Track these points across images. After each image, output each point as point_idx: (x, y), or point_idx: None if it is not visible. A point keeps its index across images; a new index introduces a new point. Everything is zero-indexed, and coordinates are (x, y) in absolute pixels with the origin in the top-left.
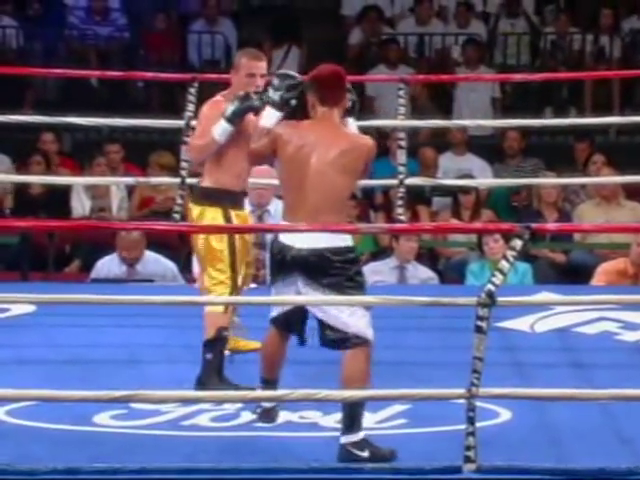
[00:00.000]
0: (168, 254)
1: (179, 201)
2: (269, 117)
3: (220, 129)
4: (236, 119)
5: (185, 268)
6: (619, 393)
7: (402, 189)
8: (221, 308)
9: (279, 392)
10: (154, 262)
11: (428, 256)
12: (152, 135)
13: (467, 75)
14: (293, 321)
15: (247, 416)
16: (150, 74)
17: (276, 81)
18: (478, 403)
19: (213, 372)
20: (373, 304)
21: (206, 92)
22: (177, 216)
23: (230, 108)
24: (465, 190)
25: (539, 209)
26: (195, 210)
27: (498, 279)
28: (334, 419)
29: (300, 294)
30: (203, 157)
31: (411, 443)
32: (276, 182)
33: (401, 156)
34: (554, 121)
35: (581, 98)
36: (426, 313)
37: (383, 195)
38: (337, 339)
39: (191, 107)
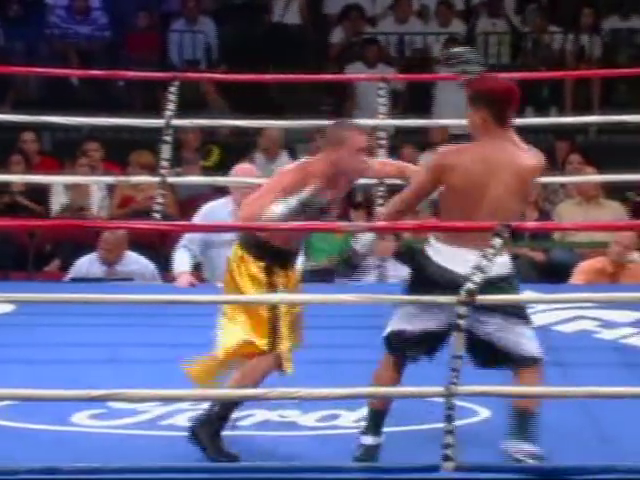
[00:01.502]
0: (148, 254)
1: (159, 200)
2: None
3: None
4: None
5: (164, 267)
6: (598, 391)
7: (382, 188)
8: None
9: (258, 391)
10: (134, 262)
11: (408, 254)
12: (134, 134)
13: (448, 74)
14: (428, 341)
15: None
16: (130, 73)
17: None
18: (457, 402)
19: (212, 427)
20: (353, 302)
21: (187, 91)
22: (158, 215)
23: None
24: None
25: None
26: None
27: (478, 277)
28: (313, 418)
29: (455, 320)
30: None
31: (390, 441)
32: (259, 182)
33: (381, 155)
34: (535, 120)
35: (562, 97)
36: None
37: (363, 194)
38: (507, 360)
39: (171, 106)
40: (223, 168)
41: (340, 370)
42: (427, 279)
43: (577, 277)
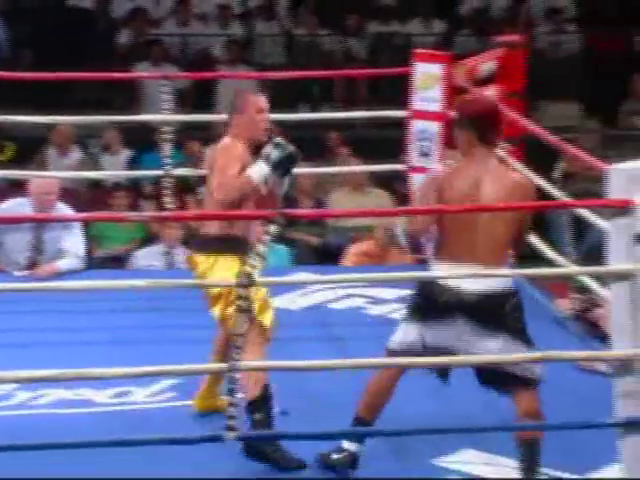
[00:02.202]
0: None
1: None
2: (259, 171)
3: (262, 173)
4: (280, 167)
5: None
6: (367, 362)
7: (169, 179)
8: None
9: (53, 372)
10: None
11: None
12: None
13: (227, 72)
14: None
15: (22, 395)
16: None
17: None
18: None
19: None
20: (143, 287)
21: None
22: None
23: (275, 153)
24: None
25: (295, 197)
26: (204, 260)
27: (256, 261)
28: (107, 395)
29: (461, 339)
30: (235, 196)
31: (179, 414)
32: (54, 175)
33: (167, 149)
34: (308, 115)
35: (332, 94)
36: (192, 294)
37: (153, 185)
38: (509, 381)
39: None
40: (19, 162)
41: (131, 349)
42: (430, 299)
43: (348, 259)
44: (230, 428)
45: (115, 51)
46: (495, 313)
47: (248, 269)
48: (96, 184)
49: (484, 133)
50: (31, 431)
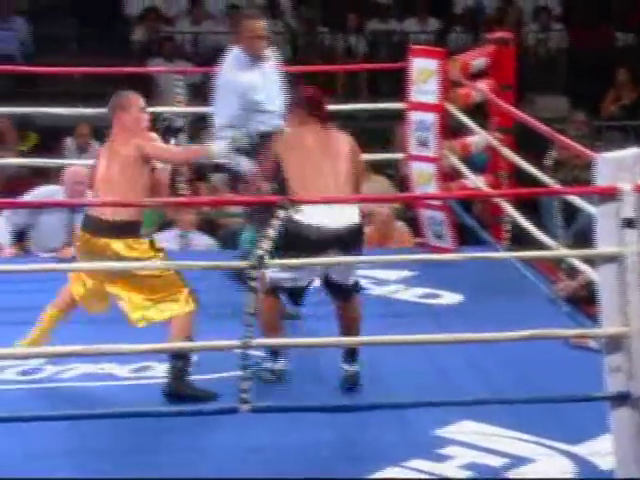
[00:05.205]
0: None
1: None
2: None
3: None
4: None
5: None
6: (372, 339)
7: (183, 168)
8: (186, 314)
9: (79, 347)
10: None
11: (209, 226)
12: None
13: None
14: (301, 289)
15: (50, 369)
16: None
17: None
18: (253, 352)
19: (183, 379)
20: (162, 269)
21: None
22: None
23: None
24: None
25: None
26: (116, 244)
27: (266, 244)
28: (128, 369)
29: (328, 270)
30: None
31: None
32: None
33: (181, 139)
34: None
35: (335, 88)
36: (207, 275)
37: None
38: (346, 291)
39: None
40: (39, 151)
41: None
42: (299, 239)
43: None
44: (243, 401)
45: (129, 48)
46: (355, 243)
47: (260, 252)
48: None
49: (311, 110)
50: (60, 403)
